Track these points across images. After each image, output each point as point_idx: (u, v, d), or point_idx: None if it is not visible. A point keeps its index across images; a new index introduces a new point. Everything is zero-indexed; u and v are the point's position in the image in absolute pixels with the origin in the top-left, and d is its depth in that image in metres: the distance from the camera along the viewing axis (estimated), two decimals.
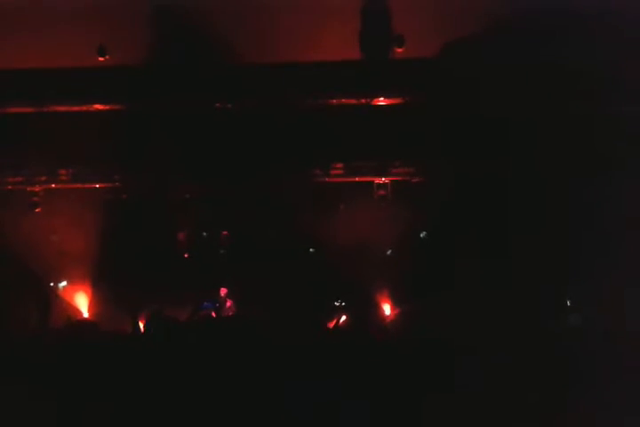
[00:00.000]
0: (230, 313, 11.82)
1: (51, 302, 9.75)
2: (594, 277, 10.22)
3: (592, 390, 5.38)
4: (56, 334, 7.24)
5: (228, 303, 11.92)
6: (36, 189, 11.99)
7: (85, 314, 12.04)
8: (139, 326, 9.49)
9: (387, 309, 11.73)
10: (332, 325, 9.98)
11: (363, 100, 11.48)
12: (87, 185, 12.10)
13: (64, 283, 12.32)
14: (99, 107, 11.55)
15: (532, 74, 10.42)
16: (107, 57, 10.96)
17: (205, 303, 11.43)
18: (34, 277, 11.57)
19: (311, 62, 10.81)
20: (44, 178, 11.99)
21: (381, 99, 11.45)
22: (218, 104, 11.55)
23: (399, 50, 10.84)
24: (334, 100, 11.45)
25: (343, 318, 10.28)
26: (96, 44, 10.82)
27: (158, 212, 11.70)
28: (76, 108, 11.43)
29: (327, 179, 11.86)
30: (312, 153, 11.46)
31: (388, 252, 11.94)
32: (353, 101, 11.47)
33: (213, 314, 11.35)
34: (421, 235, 11.93)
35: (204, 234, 12.65)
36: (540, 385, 5.55)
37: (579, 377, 5.56)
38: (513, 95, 10.61)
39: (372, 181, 11.93)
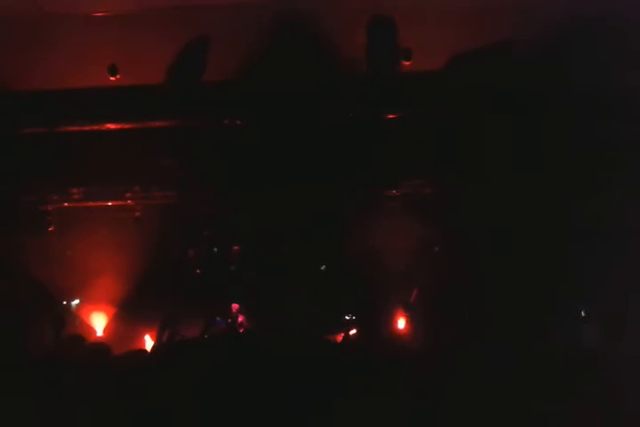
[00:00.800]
0: (242, 329, 11.84)
1: (64, 321, 9.81)
2: (607, 288, 10.17)
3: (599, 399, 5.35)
4: (70, 353, 7.27)
5: (240, 319, 11.94)
6: (49, 208, 12.08)
7: (99, 333, 12.10)
8: (152, 344, 9.54)
9: (398, 323, 11.70)
10: (341, 338, 9.99)
11: (372, 114, 11.51)
12: (99, 203, 12.21)
13: (77, 301, 12.39)
14: (110, 126, 11.64)
15: (541, 85, 10.43)
16: (118, 76, 11.04)
17: (217, 319, 11.46)
18: (47, 296, 11.64)
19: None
20: (55, 197, 12.09)
21: (390, 112, 11.49)
22: (226, 121, 11.62)
23: (407, 63, 10.88)
24: (343, 114, 11.49)
25: (353, 331, 10.29)
26: (107, 64, 10.90)
27: (171, 228, 11.77)
28: (87, 128, 11.53)
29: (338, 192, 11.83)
30: (323, 167, 11.50)
31: (401, 266, 11.91)
32: (362, 115, 11.51)
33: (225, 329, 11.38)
34: (434, 248, 11.86)
35: (215, 249, 12.71)
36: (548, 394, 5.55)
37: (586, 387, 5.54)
38: (520, 107, 10.64)
39: (383, 194, 11.94)
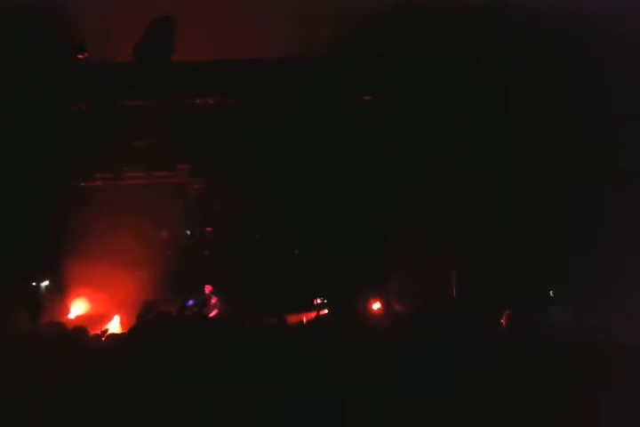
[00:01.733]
0: (215, 310, 11.88)
1: (41, 303, 9.70)
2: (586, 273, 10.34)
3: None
4: (48, 335, 7.22)
5: (213, 300, 11.96)
6: None
7: (71, 314, 12.02)
8: (125, 326, 9.55)
9: (369, 306, 11.84)
10: (311, 317, 10.12)
11: (345, 97, 11.52)
12: (69, 184, 12.08)
13: (46, 282, 12.30)
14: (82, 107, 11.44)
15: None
16: (86, 54, 10.83)
17: (190, 301, 11.45)
18: (18, 277, 11.52)
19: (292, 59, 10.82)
20: None
21: (364, 95, 11.50)
22: (198, 100, 11.55)
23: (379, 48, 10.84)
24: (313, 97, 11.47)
25: (324, 311, 10.41)
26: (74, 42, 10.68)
27: (143, 209, 11.71)
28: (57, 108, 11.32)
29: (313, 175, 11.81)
30: (296, 149, 11.50)
31: (369, 250, 11.90)
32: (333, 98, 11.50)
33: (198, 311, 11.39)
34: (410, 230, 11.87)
35: (188, 232, 12.70)
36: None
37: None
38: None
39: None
